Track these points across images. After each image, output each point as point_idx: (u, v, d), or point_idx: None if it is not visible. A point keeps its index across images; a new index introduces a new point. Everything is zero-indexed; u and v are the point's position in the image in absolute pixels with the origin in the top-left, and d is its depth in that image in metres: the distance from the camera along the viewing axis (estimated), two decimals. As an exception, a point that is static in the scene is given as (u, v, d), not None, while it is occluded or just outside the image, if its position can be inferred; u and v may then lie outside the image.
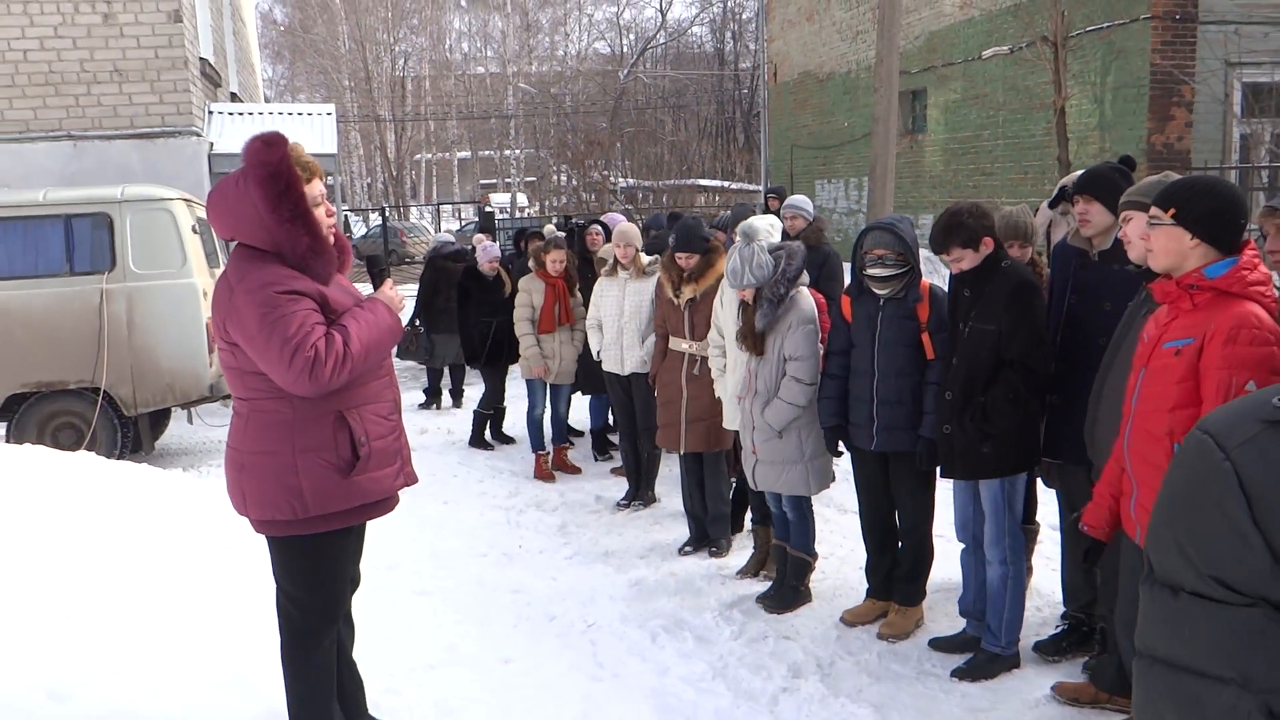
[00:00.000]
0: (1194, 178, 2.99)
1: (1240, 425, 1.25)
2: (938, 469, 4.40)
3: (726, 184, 29.18)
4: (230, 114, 13.40)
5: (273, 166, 3.02)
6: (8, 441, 7.27)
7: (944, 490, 5.83)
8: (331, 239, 3.19)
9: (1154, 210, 2.91)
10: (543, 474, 7.48)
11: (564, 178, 34.12)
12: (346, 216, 13.61)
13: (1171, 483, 1.37)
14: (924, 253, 5.42)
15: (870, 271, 4.40)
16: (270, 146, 3.03)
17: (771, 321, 4.75)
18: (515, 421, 9.07)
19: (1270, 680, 1.18)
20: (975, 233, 3.99)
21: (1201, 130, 13.07)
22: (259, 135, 3.08)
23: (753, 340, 4.81)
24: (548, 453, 7.64)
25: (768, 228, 5.05)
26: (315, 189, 3.15)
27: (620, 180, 30.75)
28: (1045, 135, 14.47)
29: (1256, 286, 2.79)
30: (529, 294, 7.43)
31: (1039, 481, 4.77)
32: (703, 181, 29.87)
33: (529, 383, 7.60)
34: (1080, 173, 4.35)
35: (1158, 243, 2.91)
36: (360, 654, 3.78)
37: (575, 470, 7.58)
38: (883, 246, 4.37)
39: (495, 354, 8.49)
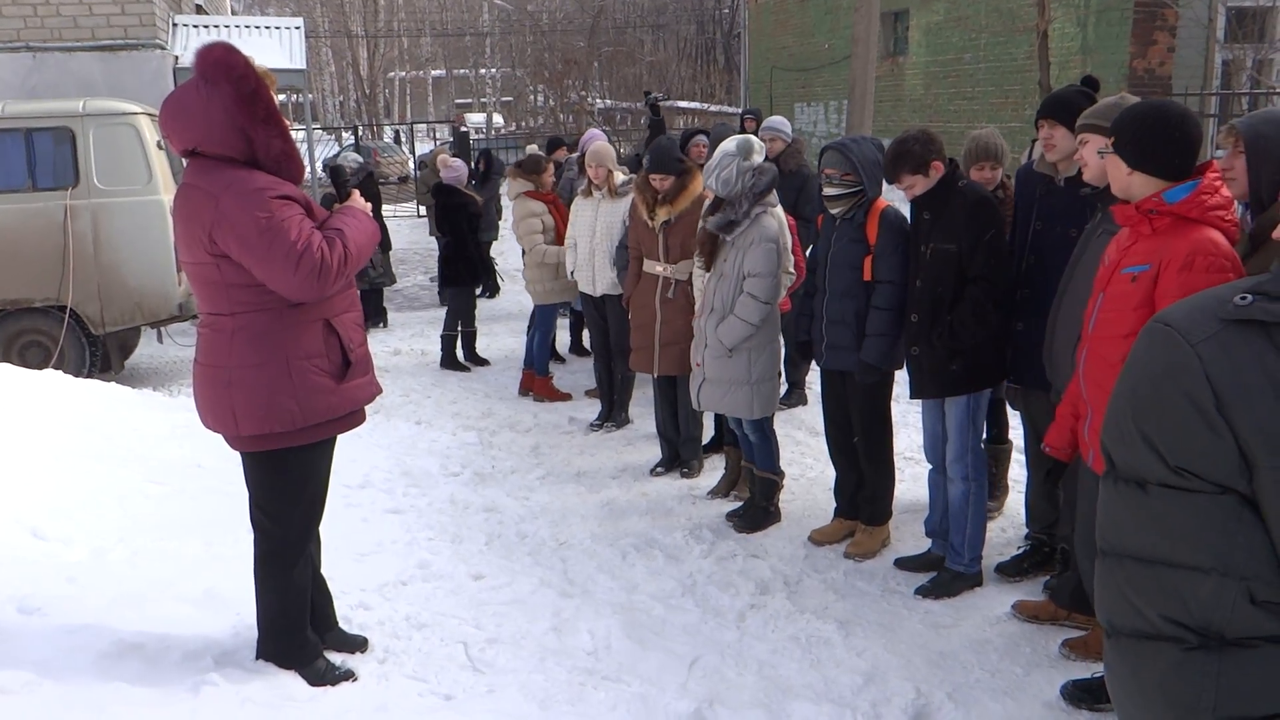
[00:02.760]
0: (1136, 105, 2.95)
1: (1202, 321, 1.24)
2: (892, 387, 4.51)
3: (705, 106, 28.79)
4: (195, 26, 13.03)
5: (240, 69, 2.96)
6: (-26, 359, 7.19)
7: (915, 414, 5.91)
8: None
9: (1102, 139, 2.91)
10: (558, 395, 7.46)
11: (541, 98, 33.56)
12: (309, 134, 13.38)
13: (1132, 375, 1.35)
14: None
15: (823, 190, 4.42)
16: (231, 52, 2.99)
17: (732, 236, 4.73)
18: (487, 343, 9.06)
19: (1250, 566, 1.18)
20: (922, 158, 4.02)
21: (1184, 55, 12.98)
22: (214, 43, 3.02)
23: (707, 247, 4.79)
24: (552, 374, 7.65)
25: (759, 148, 4.99)
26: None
27: (598, 101, 30.30)
28: (1027, 59, 14.33)
29: (1216, 211, 2.78)
30: (537, 216, 7.32)
31: (1007, 403, 4.83)
32: (681, 103, 29.45)
33: (549, 307, 7.48)
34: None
35: (1109, 171, 2.92)
36: (332, 571, 3.81)
37: (566, 396, 7.56)
38: (832, 166, 4.39)
39: (468, 273, 8.45)
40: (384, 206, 11.19)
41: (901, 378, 4.85)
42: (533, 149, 9.54)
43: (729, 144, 4.76)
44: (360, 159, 9.34)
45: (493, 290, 11.62)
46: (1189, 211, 2.77)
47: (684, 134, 8.30)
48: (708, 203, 5.02)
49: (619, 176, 6.52)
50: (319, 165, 16.88)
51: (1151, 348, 1.31)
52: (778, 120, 7.32)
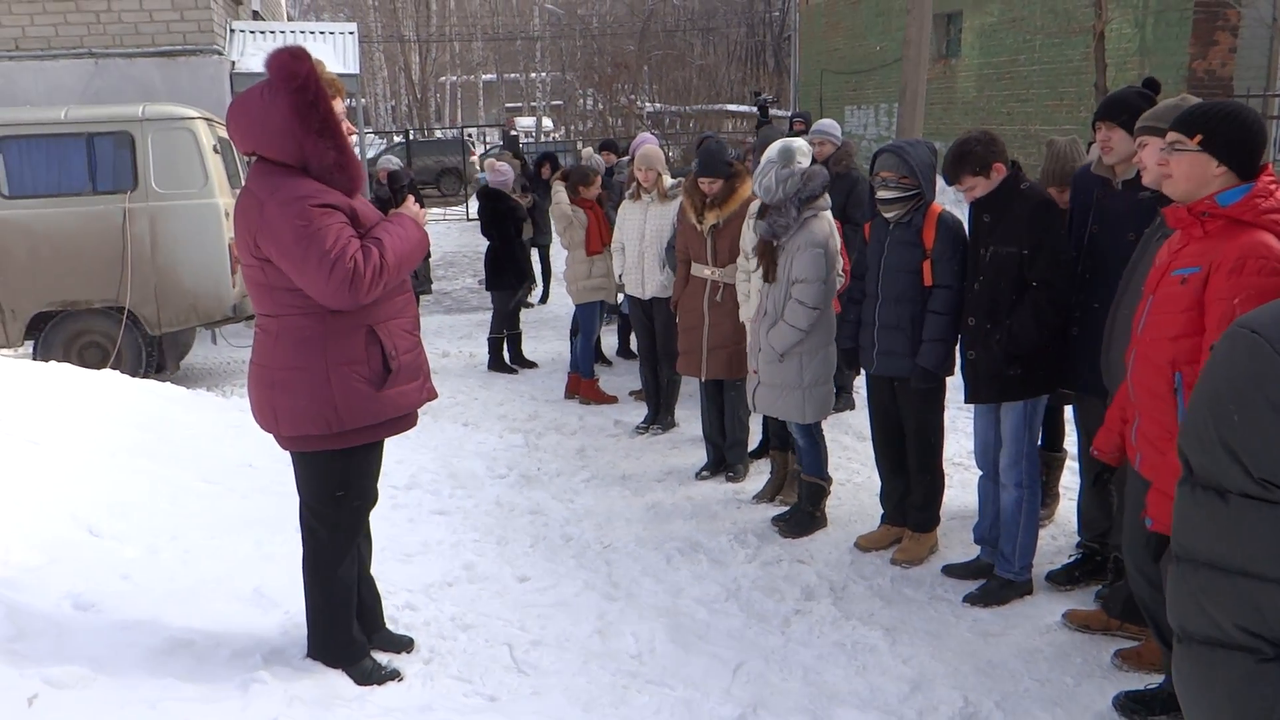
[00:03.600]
0: (1218, 103, 2.88)
1: None
2: (945, 393, 4.45)
3: (755, 109, 28.69)
4: (252, 32, 13.26)
5: (301, 78, 3.00)
6: (35, 359, 7.37)
7: (965, 419, 5.83)
8: None
9: (1175, 135, 2.81)
10: (604, 398, 7.50)
11: (590, 101, 33.66)
12: (361, 139, 13.63)
13: (1214, 381, 1.31)
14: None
15: (878, 194, 4.37)
16: (298, 59, 3.02)
17: (781, 242, 4.71)
18: (534, 346, 9.12)
19: None
20: (985, 160, 3.95)
21: (1246, 56, 12.69)
22: (285, 48, 3.05)
23: (764, 257, 4.77)
24: (598, 377, 7.68)
25: (803, 151, 4.96)
26: (338, 107, 3.14)
27: (647, 104, 30.30)
28: (1083, 61, 14.10)
29: (1271, 214, 2.71)
30: (563, 205, 7.43)
31: (1068, 409, 4.75)
32: (731, 107, 29.37)
33: (587, 307, 7.54)
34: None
35: (1179, 169, 2.81)
36: (379, 571, 3.85)
37: (612, 399, 7.58)
38: (888, 169, 4.33)
39: (514, 276, 8.51)
40: (434, 209, 11.29)
41: (953, 382, 4.80)
42: (588, 152, 9.55)
43: (771, 150, 4.74)
44: (398, 162, 9.39)
45: (543, 296, 11.69)
46: (1242, 214, 2.71)
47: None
48: (754, 207, 5.00)
49: (668, 180, 6.52)
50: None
51: (1234, 353, 1.28)
52: (827, 123, 7.27)
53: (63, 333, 7.67)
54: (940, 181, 4.42)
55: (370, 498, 3.44)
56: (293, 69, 2.99)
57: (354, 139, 3.34)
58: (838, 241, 4.89)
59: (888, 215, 4.40)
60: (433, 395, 3.44)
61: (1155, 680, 3.43)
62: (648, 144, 7.33)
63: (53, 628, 3.37)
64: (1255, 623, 1.21)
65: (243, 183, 3.18)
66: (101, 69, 11.49)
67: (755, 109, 10.30)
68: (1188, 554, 1.32)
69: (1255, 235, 2.68)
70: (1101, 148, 3.86)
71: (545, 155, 11.54)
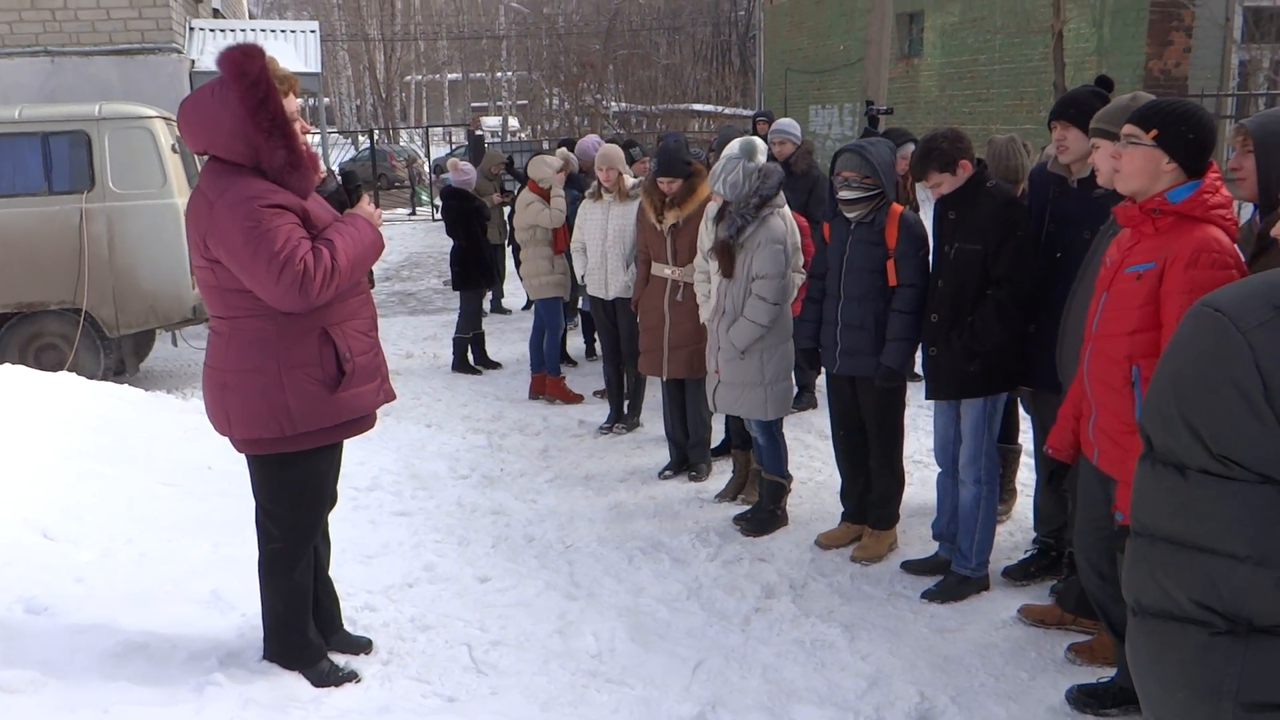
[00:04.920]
0: (1175, 100, 2.95)
1: (1255, 308, 1.22)
2: (906, 391, 4.50)
3: (720, 109, 28.76)
4: (212, 30, 13.13)
5: (252, 76, 2.96)
6: (-10, 361, 7.25)
7: (925, 417, 5.88)
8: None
9: (1130, 129, 2.86)
10: (570, 396, 7.50)
11: (556, 101, 33.59)
12: (324, 138, 13.60)
13: (1176, 359, 1.32)
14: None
15: (839, 194, 4.39)
16: (249, 57, 2.98)
17: (741, 239, 4.72)
18: (498, 347, 9.09)
19: None
20: (951, 157, 3.98)
21: (1200, 56, 12.90)
22: (237, 45, 3.02)
23: (722, 255, 4.79)
24: (564, 375, 7.68)
25: (762, 149, 4.99)
26: (291, 104, 3.10)
27: (613, 104, 30.30)
28: (1042, 60, 14.27)
29: (1218, 210, 2.80)
30: (536, 201, 7.42)
31: (1020, 404, 4.81)
32: (696, 106, 29.43)
33: (549, 303, 7.53)
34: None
35: (1131, 164, 2.86)
36: (339, 572, 3.83)
37: (578, 398, 7.58)
38: (850, 169, 4.35)
39: (481, 276, 8.49)
40: (398, 209, 11.23)
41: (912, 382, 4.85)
42: (563, 152, 9.48)
43: (732, 147, 4.76)
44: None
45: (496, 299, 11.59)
46: (1192, 210, 2.78)
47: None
48: (713, 208, 5.01)
49: (629, 179, 6.52)
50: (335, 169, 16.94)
51: (1198, 332, 1.29)
52: (786, 122, 7.31)
53: (19, 335, 7.55)
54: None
55: (327, 500, 3.42)
56: (244, 67, 2.96)
57: (314, 138, 3.29)
58: (797, 238, 4.92)
59: (849, 215, 4.42)
60: (390, 397, 3.42)
61: (1108, 674, 3.48)
62: (593, 146, 7.35)
63: (4, 631, 3.34)
64: (1209, 597, 1.24)
65: (199, 183, 3.14)
66: (58, 67, 11.33)
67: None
68: (1145, 530, 1.35)
69: (1206, 230, 2.76)
70: (1057, 147, 3.91)
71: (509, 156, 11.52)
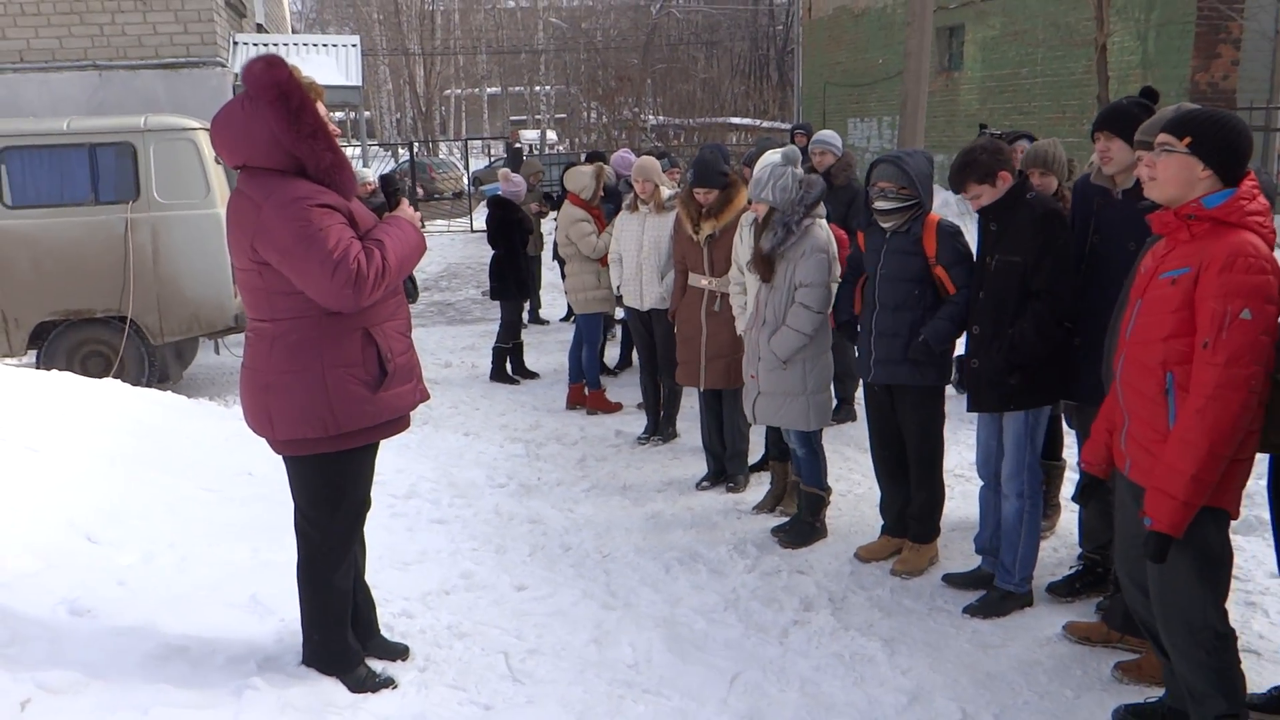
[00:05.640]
0: (1209, 109, 2.94)
1: None
2: (944, 403, 4.47)
3: (758, 122, 28.72)
4: (255, 45, 13.32)
5: (282, 85, 2.99)
6: (38, 369, 7.37)
7: (967, 430, 5.81)
8: None
9: (1165, 137, 2.84)
10: (610, 406, 7.50)
11: (594, 114, 33.73)
12: (364, 151, 13.82)
13: None
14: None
15: (875, 204, 4.37)
16: (273, 67, 3.01)
17: (784, 248, 4.70)
18: (536, 357, 9.12)
19: None
20: (990, 168, 3.95)
21: (1248, 69, 12.71)
22: (259, 57, 3.05)
23: (763, 263, 4.77)
24: (604, 387, 7.68)
25: (799, 157, 4.97)
26: (321, 110, 3.12)
27: (651, 118, 30.36)
28: (1085, 73, 14.12)
29: (1255, 217, 2.76)
30: (586, 220, 7.38)
31: (1064, 420, 4.74)
32: (734, 119, 29.40)
33: (590, 318, 7.54)
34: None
35: (1166, 171, 2.84)
36: (376, 579, 3.84)
37: (617, 406, 7.58)
38: (886, 179, 4.33)
39: (516, 288, 8.51)
40: (437, 220, 11.33)
41: (954, 394, 4.78)
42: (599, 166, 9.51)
43: (773, 155, 4.74)
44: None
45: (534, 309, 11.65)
46: (1228, 216, 2.75)
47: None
48: (750, 218, 4.99)
49: (665, 191, 6.52)
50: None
51: None
52: (828, 134, 7.27)
53: (66, 342, 7.68)
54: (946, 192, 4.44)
55: (365, 503, 3.42)
56: (271, 77, 2.98)
57: (354, 150, 3.33)
58: (835, 248, 4.90)
59: (885, 225, 4.40)
60: (425, 397, 3.43)
61: (1155, 693, 3.40)
62: (628, 159, 7.32)
63: (47, 633, 3.36)
64: None
65: (239, 191, 3.17)
66: (105, 81, 11.55)
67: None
68: None
69: (1242, 235, 2.73)
70: (1100, 158, 3.86)
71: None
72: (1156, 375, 2.83)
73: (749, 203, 4.99)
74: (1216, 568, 2.85)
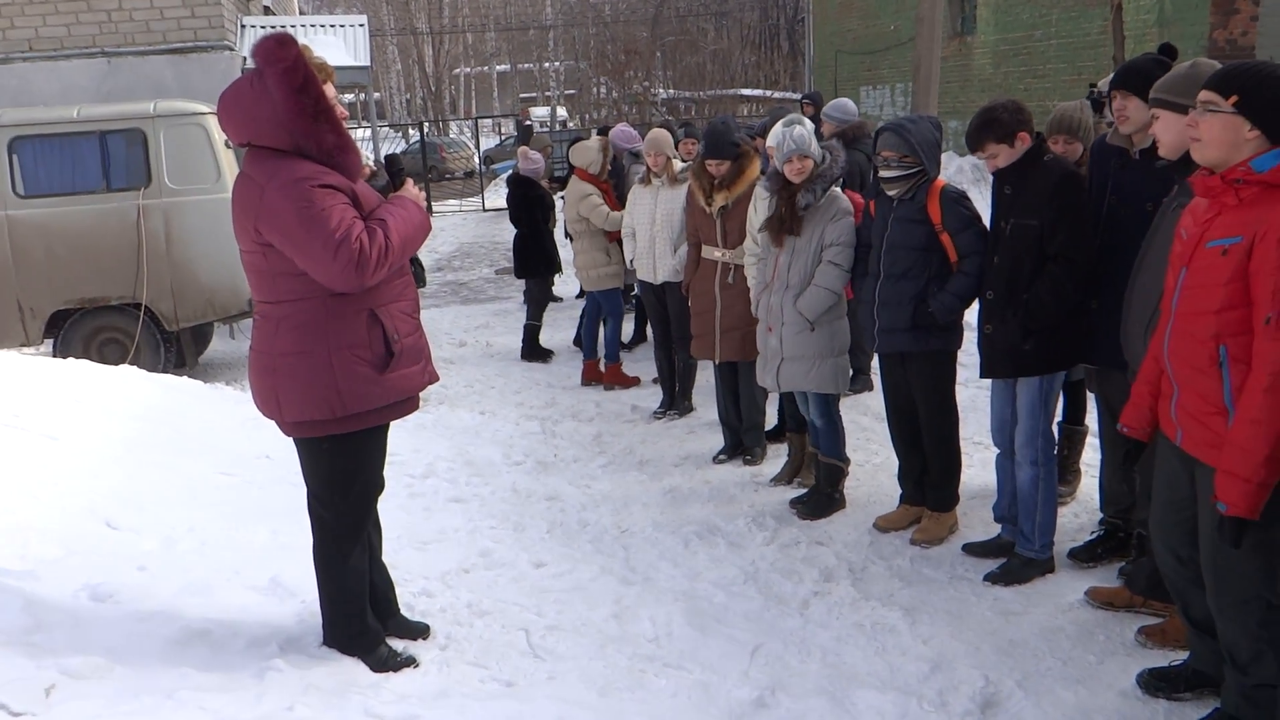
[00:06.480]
0: (1255, 63, 2.74)
1: None
2: (955, 368, 4.47)
3: (770, 93, 28.52)
4: (263, 27, 13.27)
5: (290, 62, 2.96)
6: (55, 356, 7.41)
7: (985, 397, 5.77)
8: None
9: (1209, 95, 2.67)
10: (628, 380, 7.49)
11: (604, 90, 33.57)
12: (374, 132, 13.80)
13: None
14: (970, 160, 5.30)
15: (880, 173, 4.34)
16: (283, 44, 2.98)
17: (813, 209, 4.70)
18: (550, 334, 9.10)
19: None
20: (1010, 128, 3.87)
21: (1268, 24, 12.49)
22: (270, 34, 3.02)
23: (778, 227, 4.74)
24: (620, 361, 7.66)
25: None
26: (329, 91, 3.10)
27: (661, 91, 30.20)
28: (1101, 34, 13.92)
29: None
30: (594, 194, 7.37)
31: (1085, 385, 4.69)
32: (745, 91, 29.23)
33: (609, 293, 7.52)
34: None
35: (1210, 131, 2.67)
36: (394, 559, 3.85)
37: (635, 380, 7.56)
38: (889, 148, 4.29)
39: (542, 264, 8.50)
40: (449, 200, 11.32)
41: (967, 360, 4.73)
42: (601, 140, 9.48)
43: (803, 124, 4.73)
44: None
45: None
46: None
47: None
48: (759, 189, 4.96)
49: (678, 164, 6.47)
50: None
51: None
52: (842, 102, 7.19)
53: (82, 330, 7.71)
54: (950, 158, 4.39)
55: (377, 484, 3.42)
56: (279, 54, 2.95)
57: (364, 132, 3.30)
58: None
59: (889, 192, 4.36)
60: (434, 378, 3.42)
61: (1180, 657, 3.37)
62: (651, 130, 7.29)
63: (70, 619, 3.38)
64: None
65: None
66: (114, 68, 11.54)
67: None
68: None
69: None
70: (1117, 117, 3.77)
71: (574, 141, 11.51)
72: (1208, 348, 2.70)
73: (763, 173, 4.95)
74: (1274, 541, 2.76)
